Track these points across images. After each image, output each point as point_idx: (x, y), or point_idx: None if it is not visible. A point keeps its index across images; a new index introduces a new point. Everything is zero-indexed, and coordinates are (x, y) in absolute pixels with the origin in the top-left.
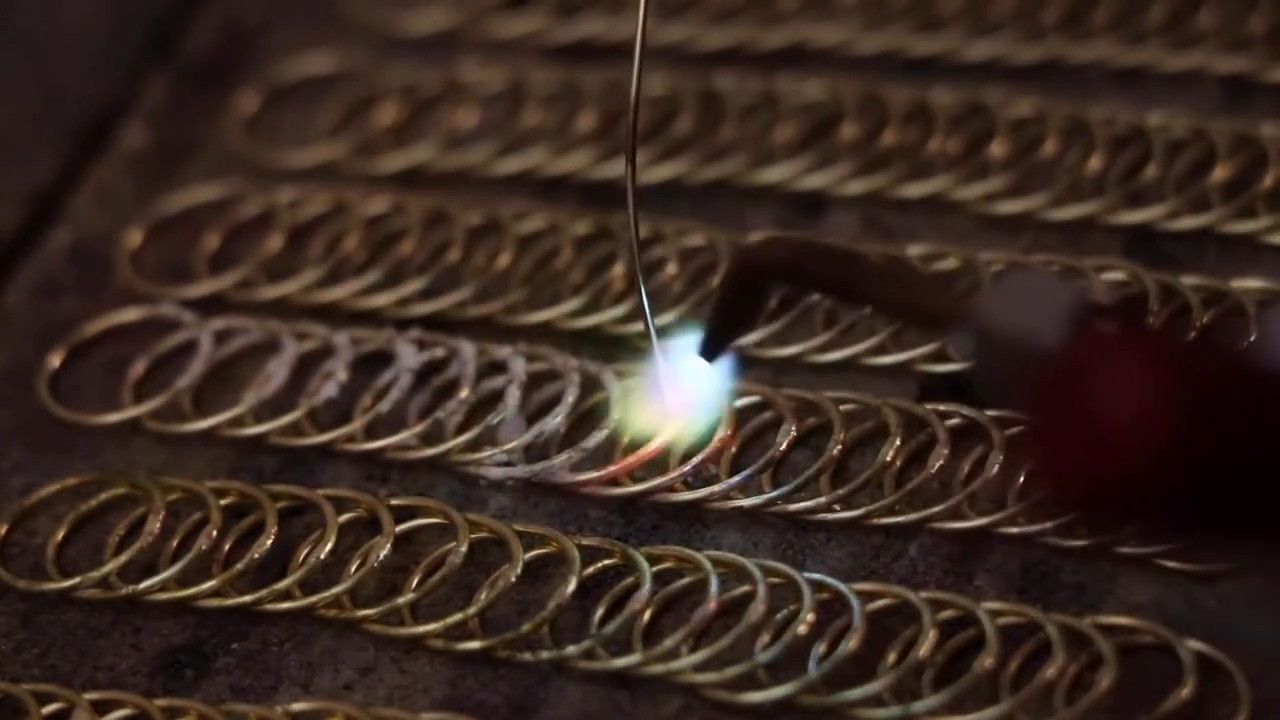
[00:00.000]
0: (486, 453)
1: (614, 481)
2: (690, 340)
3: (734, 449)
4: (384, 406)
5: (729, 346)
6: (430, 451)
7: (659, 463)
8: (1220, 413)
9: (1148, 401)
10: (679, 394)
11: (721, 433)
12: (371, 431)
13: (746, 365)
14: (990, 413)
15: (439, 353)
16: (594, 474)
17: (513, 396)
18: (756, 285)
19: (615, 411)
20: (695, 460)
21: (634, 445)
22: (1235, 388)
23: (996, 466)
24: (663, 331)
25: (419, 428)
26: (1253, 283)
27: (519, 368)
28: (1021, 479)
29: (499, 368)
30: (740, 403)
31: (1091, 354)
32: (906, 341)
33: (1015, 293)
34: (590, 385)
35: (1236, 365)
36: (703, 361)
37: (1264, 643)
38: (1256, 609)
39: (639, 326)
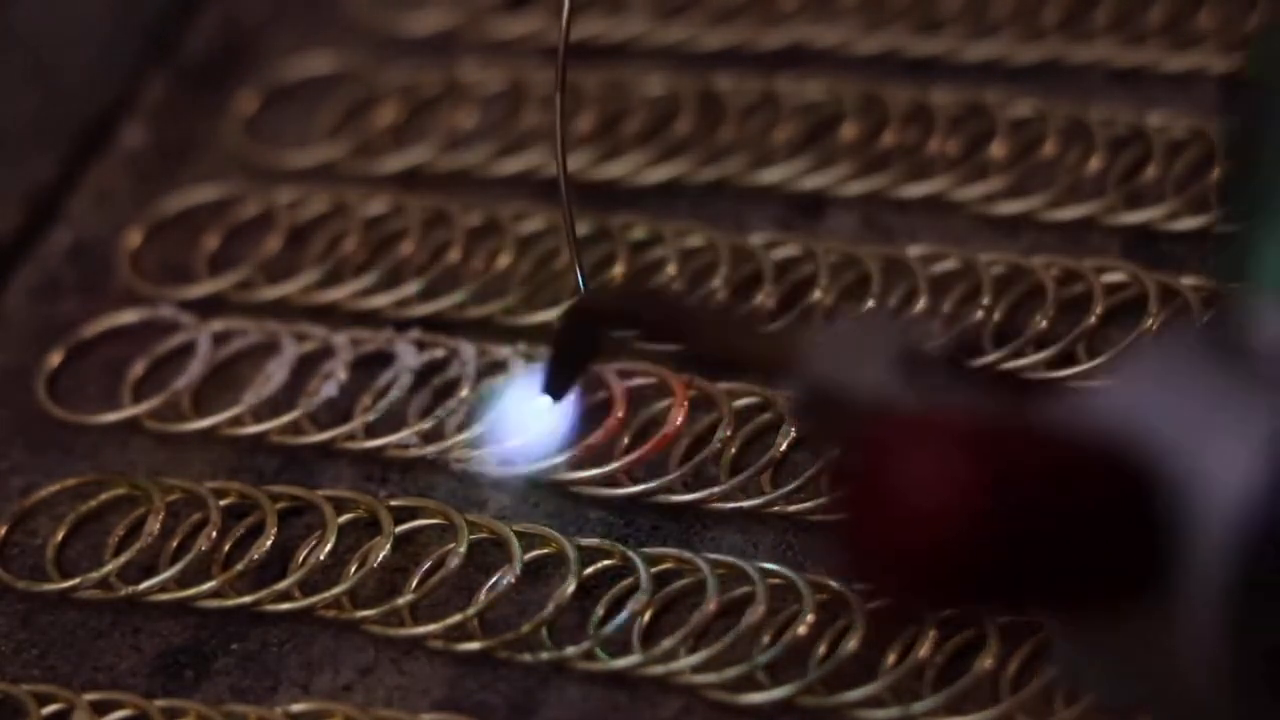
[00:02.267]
0: (487, 449)
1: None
2: (535, 376)
3: (734, 449)
4: (384, 406)
5: (569, 386)
6: (430, 450)
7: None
8: (1030, 489)
9: (955, 482)
10: (520, 420)
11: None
12: (371, 431)
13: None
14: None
15: (439, 353)
16: (595, 470)
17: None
18: (590, 330)
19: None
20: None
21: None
22: (1046, 463)
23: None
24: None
25: (419, 426)
26: None
27: (519, 366)
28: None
29: (500, 367)
30: (739, 403)
31: (897, 431)
32: None
33: (838, 342)
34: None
35: (1047, 439)
36: (546, 397)
37: None
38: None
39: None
